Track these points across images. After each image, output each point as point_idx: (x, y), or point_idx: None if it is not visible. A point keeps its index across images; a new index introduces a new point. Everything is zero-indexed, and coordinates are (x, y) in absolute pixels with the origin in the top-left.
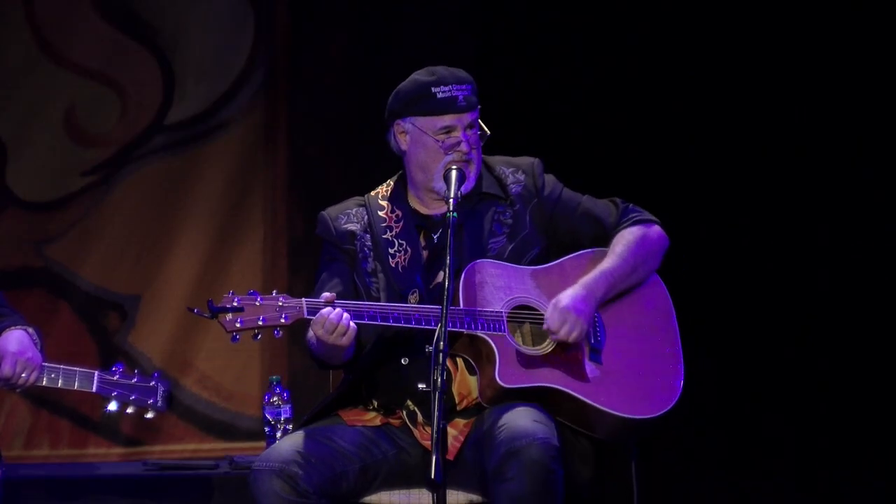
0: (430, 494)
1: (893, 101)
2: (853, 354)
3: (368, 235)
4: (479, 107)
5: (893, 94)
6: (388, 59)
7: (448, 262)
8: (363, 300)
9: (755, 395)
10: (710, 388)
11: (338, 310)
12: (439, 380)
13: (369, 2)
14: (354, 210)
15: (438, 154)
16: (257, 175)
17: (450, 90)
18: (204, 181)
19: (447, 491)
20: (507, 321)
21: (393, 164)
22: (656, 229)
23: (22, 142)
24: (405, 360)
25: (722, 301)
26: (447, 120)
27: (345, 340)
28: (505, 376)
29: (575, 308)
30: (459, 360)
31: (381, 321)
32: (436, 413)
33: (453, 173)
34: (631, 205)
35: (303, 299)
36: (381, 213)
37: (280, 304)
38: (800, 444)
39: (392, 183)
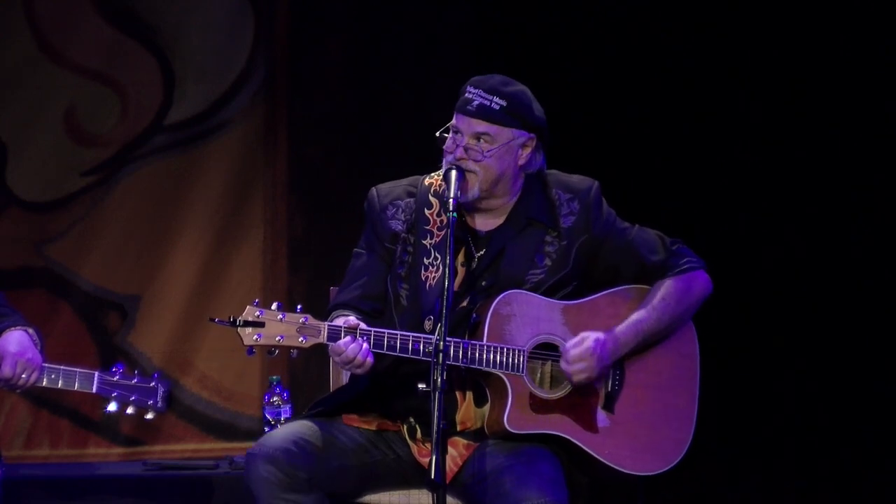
0: (430, 495)
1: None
2: (854, 355)
3: (411, 237)
4: (507, 127)
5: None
6: (388, 59)
7: (448, 261)
8: (390, 304)
9: (757, 402)
10: (712, 393)
11: (356, 343)
12: (439, 380)
13: (369, 2)
14: (404, 202)
15: (444, 153)
16: (257, 175)
17: (474, 94)
18: (204, 181)
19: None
20: (529, 359)
21: (394, 164)
22: (701, 279)
23: (22, 142)
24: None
25: (722, 304)
26: (456, 119)
27: (360, 372)
28: (513, 420)
29: (599, 355)
30: (468, 392)
31: (401, 353)
32: (436, 413)
33: (452, 172)
34: (680, 245)
35: (325, 323)
36: (427, 213)
37: (301, 323)
38: (801, 450)
39: None
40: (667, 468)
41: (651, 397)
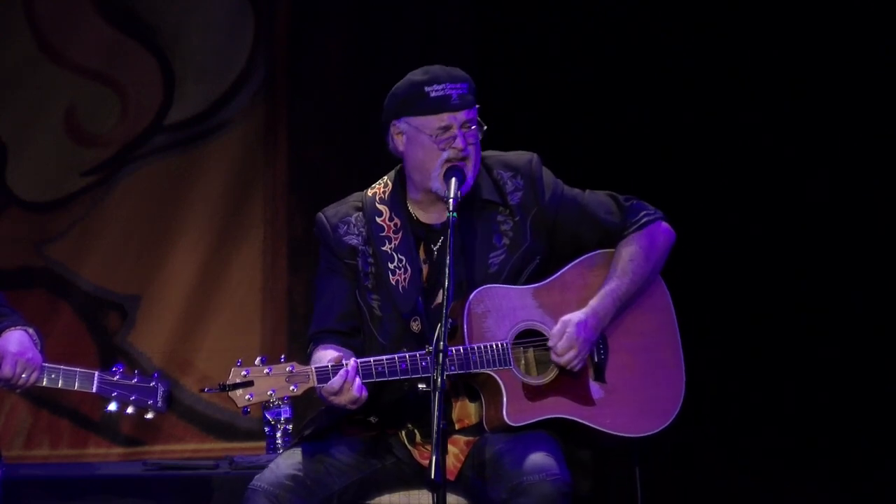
0: (430, 495)
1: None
2: (853, 356)
3: (369, 249)
4: (476, 106)
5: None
6: (389, 59)
7: (448, 261)
8: (366, 319)
9: (757, 397)
10: (711, 389)
11: (348, 381)
12: (439, 380)
13: (369, 2)
14: (354, 217)
15: (434, 152)
16: (257, 175)
17: (443, 89)
18: (204, 181)
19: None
20: (512, 349)
21: (393, 163)
22: (662, 228)
23: (22, 142)
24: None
25: (720, 302)
26: (443, 119)
27: (355, 407)
28: (512, 414)
29: (585, 338)
30: (461, 390)
31: (391, 376)
32: (436, 413)
33: (453, 175)
34: (634, 201)
35: (312, 367)
36: (379, 220)
37: (289, 372)
38: (802, 446)
39: (391, 183)
40: (669, 422)
41: (638, 359)
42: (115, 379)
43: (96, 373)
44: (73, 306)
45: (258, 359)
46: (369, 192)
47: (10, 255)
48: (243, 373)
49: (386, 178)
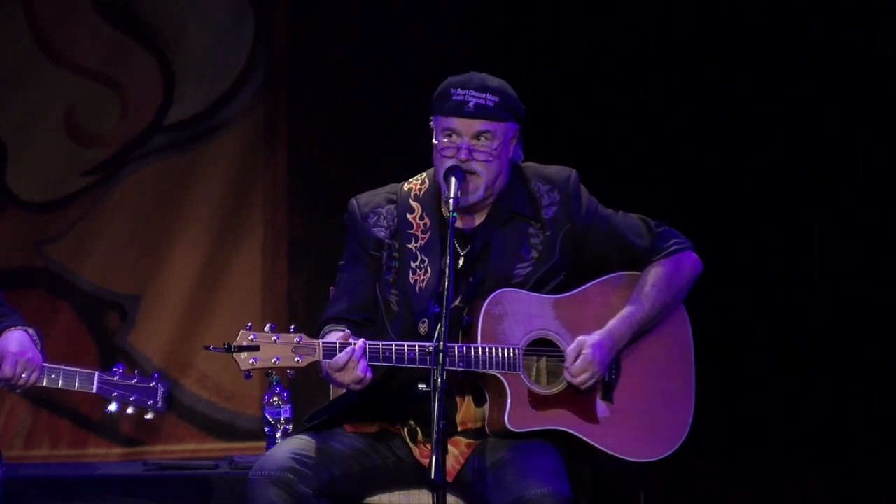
0: (431, 495)
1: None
2: (854, 358)
3: (396, 243)
4: (504, 122)
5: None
6: (389, 59)
7: (448, 262)
8: (381, 312)
9: (761, 407)
10: (715, 399)
11: (353, 359)
12: (439, 380)
13: (369, 2)
14: (385, 209)
15: (439, 156)
16: (257, 175)
17: (464, 94)
18: (204, 181)
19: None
20: (524, 356)
21: (394, 164)
22: (690, 260)
23: (22, 142)
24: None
25: (722, 311)
26: (451, 122)
27: (359, 388)
28: (514, 419)
29: (600, 360)
30: (467, 393)
31: (398, 362)
32: (436, 413)
33: (452, 175)
34: (665, 227)
35: (319, 341)
36: (409, 217)
37: (296, 343)
38: (806, 455)
39: (427, 181)
40: (670, 452)
41: (648, 384)
42: (115, 379)
43: (96, 373)
44: (73, 306)
45: (267, 325)
46: (405, 187)
47: (10, 255)
48: (251, 336)
49: (424, 174)
